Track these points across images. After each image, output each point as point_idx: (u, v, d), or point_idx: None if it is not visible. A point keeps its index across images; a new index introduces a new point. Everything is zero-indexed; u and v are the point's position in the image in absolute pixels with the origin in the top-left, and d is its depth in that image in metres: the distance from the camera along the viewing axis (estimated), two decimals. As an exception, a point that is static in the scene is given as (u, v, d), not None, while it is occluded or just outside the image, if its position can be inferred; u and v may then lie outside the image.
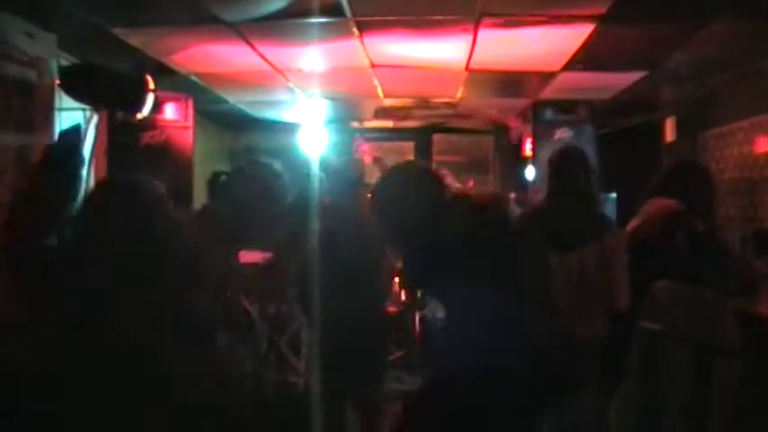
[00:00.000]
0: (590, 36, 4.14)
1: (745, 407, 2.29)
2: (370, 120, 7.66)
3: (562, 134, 6.25)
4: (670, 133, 6.58)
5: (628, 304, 2.74)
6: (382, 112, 7.15)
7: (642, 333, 2.41)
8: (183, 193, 4.86)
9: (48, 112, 3.83)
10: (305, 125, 7.35)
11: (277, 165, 2.60)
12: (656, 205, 2.95)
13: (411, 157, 8.45)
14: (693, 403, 2.22)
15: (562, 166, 2.97)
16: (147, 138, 5.02)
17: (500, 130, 7.96)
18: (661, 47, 4.44)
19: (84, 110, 3.95)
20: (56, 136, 3.11)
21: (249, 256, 5.26)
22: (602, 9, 3.67)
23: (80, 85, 3.73)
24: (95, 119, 4.08)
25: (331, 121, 7.53)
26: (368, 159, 6.64)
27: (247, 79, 5.49)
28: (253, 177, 2.55)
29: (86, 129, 3.59)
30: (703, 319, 2.35)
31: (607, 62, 4.85)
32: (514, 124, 7.31)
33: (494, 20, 3.91)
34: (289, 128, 7.50)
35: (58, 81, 3.82)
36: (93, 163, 4.14)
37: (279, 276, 5.14)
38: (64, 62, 4.06)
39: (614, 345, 2.63)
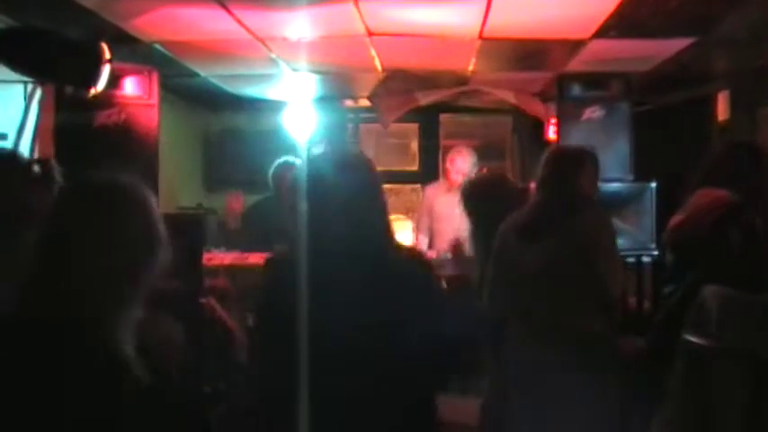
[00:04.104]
0: (626, -5, 4.12)
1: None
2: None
3: (592, 113, 6.16)
4: (723, 110, 6.53)
5: (616, 291, 3.36)
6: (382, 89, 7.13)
7: (687, 348, 2.38)
8: (147, 184, 4.82)
9: (-19, 85, 3.81)
10: (291, 103, 7.33)
11: None
12: (704, 196, 2.93)
13: (414, 141, 8.45)
14: (748, 428, 2.20)
15: (543, 166, 3.54)
16: (102, 118, 4.97)
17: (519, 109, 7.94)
18: (713, 7, 4.40)
19: (25, 83, 3.92)
20: None
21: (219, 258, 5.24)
22: (640, -38, 3.65)
23: (20, 53, 3.70)
24: (39, 94, 4.06)
25: (321, 99, 7.51)
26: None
27: (223, 49, 5.47)
28: None
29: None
30: (760, 331, 2.32)
31: (647, 27, 4.81)
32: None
33: (512, -23, 3.89)
34: (272, 106, 7.49)
35: (-8, 48, 3.79)
36: (37, 148, 4.12)
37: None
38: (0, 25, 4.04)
39: (652, 361, 2.63)
